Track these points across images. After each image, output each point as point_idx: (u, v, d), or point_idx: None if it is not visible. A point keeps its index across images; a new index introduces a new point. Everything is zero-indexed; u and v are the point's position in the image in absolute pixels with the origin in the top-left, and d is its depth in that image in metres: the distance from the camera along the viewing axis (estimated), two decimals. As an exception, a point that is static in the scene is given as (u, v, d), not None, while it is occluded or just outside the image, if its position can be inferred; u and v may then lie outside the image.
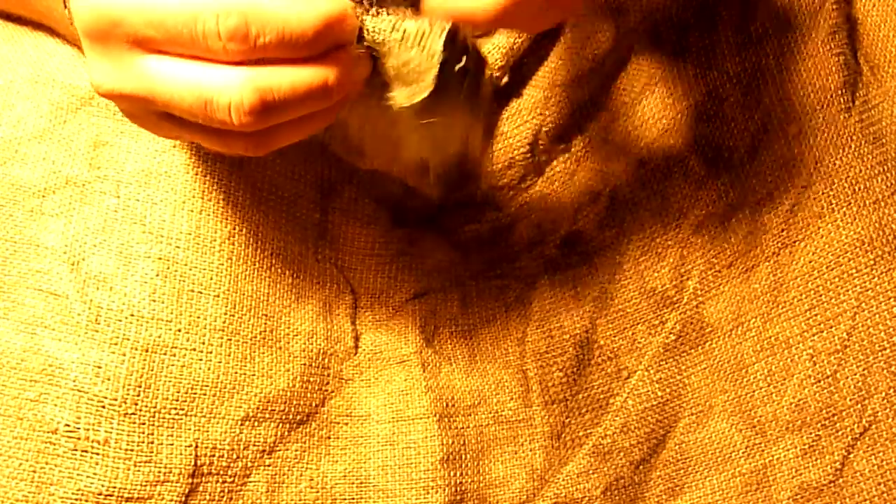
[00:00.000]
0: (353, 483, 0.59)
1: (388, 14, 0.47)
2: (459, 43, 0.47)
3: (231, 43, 0.42)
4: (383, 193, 0.65)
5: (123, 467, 0.54)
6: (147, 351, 0.55)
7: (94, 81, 0.47)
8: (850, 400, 0.55)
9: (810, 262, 0.57)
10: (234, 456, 0.57)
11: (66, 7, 0.53)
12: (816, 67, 0.59)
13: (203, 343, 0.57)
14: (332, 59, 0.45)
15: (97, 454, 0.53)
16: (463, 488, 0.60)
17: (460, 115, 0.49)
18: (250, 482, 0.57)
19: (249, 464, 0.57)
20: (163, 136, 0.51)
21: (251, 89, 0.43)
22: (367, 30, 0.46)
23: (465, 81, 0.48)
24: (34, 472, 0.53)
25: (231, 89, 0.43)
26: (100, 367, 0.54)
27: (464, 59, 0.48)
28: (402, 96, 0.48)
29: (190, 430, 0.55)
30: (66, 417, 0.53)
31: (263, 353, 0.58)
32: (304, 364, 0.60)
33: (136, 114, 0.49)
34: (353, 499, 0.59)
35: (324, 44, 0.44)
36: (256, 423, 0.57)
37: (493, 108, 0.63)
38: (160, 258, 0.57)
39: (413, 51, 0.47)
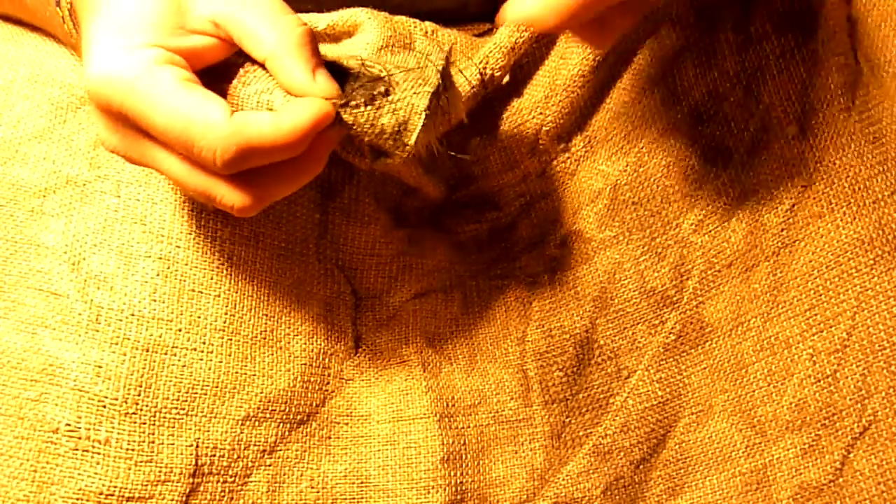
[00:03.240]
0: (353, 483, 0.59)
1: (364, 107, 0.49)
2: (441, 97, 0.51)
3: (226, 169, 0.46)
4: (383, 193, 0.65)
5: (124, 467, 0.54)
6: (148, 350, 0.55)
7: (103, 142, 0.50)
8: (850, 399, 0.55)
9: (810, 262, 0.57)
10: (235, 456, 0.57)
11: (57, 6, 0.53)
12: (816, 67, 0.59)
13: (204, 343, 0.57)
14: (318, 145, 0.49)
15: (98, 454, 0.53)
16: (463, 488, 0.60)
17: (440, 115, 0.52)
18: (251, 482, 0.57)
19: (250, 463, 0.57)
20: (135, 160, 0.53)
21: (252, 196, 0.48)
22: (347, 121, 0.49)
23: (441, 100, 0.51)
24: (35, 471, 0.53)
25: (234, 195, 0.48)
26: (100, 367, 0.54)
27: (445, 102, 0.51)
28: (378, 162, 0.52)
29: (191, 429, 0.55)
30: (66, 417, 0.53)
31: (264, 352, 0.58)
32: (305, 364, 0.60)
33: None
34: (354, 498, 0.59)
35: (308, 143, 0.47)
36: (257, 423, 0.57)
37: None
38: (161, 258, 0.57)
39: (387, 141, 0.50)
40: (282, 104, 0.48)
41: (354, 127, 0.49)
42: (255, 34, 0.48)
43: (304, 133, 0.46)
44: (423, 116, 0.49)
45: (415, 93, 0.49)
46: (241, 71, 0.50)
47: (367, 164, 0.61)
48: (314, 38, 0.49)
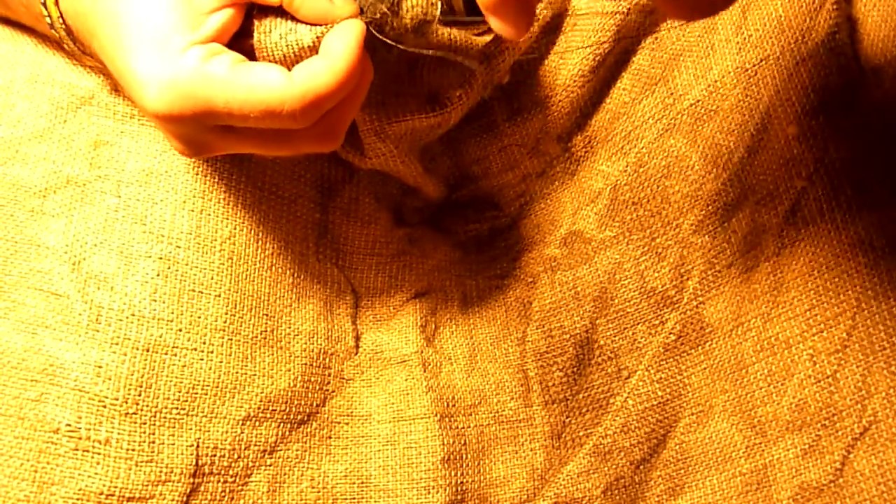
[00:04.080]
0: (353, 483, 0.59)
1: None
2: None
3: (308, 123, 0.49)
4: (383, 193, 0.65)
5: (125, 467, 0.54)
6: (148, 351, 0.55)
7: (178, 150, 0.52)
8: (850, 400, 0.55)
9: (810, 262, 0.57)
10: (236, 456, 0.57)
11: (43, 4, 0.53)
12: (816, 67, 0.59)
13: (204, 343, 0.57)
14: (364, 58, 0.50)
15: (98, 454, 0.53)
16: (464, 488, 0.60)
17: None
18: (251, 482, 0.57)
19: (251, 463, 0.57)
20: (219, 152, 0.54)
21: (333, 134, 0.51)
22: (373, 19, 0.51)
23: None
24: (35, 471, 0.53)
25: (318, 144, 0.51)
26: (101, 367, 0.54)
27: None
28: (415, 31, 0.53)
29: (191, 429, 0.55)
30: (67, 417, 0.53)
31: (264, 352, 0.58)
32: (305, 364, 0.60)
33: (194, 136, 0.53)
34: (354, 498, 0.59)
35: (363, 66, 0.49)
36: (258, 423, 0.57)
37: None
38: (161, 258, 0.57)
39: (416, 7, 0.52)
40: (309, 37, 0.49)
41: (383, 25, 0.51)
42: None
43: (357, 62, 0.48)
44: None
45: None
46: (257, 23, 0.50)
47: (367, 164, 0.61)
48: None
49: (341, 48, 0.48)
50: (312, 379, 0.60)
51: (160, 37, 0.48)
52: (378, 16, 0.51)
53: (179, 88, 0.47)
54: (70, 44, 0.54)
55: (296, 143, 0.51)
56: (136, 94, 0.48)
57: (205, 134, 0.50)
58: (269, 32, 0.50)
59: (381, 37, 0.51)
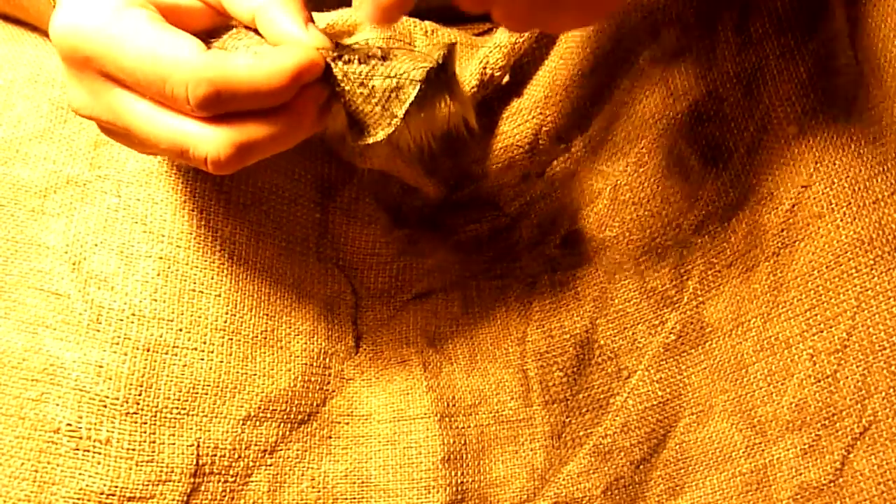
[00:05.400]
0: (354, 483, 0.59)
1: (358, 64, 0.47)
2: (440, 77, 0.48)
3: (200, 110, 0.43)
4: (383, 193, 0.65)
5: (125, 467, 0.54)
6: (148, 350, 0.55)
7: (72, 104, 0.47)
8: (850, 400, 0.55)
9: (810, 262, 0.57)
10: (236, 455, 0.57)
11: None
12: (816, 67, 0.59)
13: (204, 342, 0.57)
14: (304, 99, 0.45)
15: (99, 453, 0.53)
16: (464, 488, 0.60)
17: (440, 106, 0.50)
18: (252, 482, 0.57)
19: (251, 463, 0.57)
20: (141, 153, 0.51)
21: (228, 144, 0.44)
22: (336, 76, 0.47)
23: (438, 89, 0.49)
24: (36, 471, 0.53)
25: (208, 143, 0.44)
26: (101, 367, 0.54)
27: (446, 95, 0.49)
28: (356, 137, 0.49)
29: (192, 429, 0.55)
30: (67, 417, 0.53)
31: (265, 352, 0.58)
32: (306, 363, 0.60)
33: (115, 133, 0.49)
34: (355, 498, 0.59)
35: (292, 92, 0.44)
36: (258, 423, 0.57)
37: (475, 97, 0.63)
38: (161, 258, 0.57)
39: (376, 108, 0.47)
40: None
41: (343, 84, 0.46)
42: None
43: (286, 77, 0.43)
44: (418, 89, 0.46)
45: (414, 67, 0.46)
46: (233, 30, 0.48)
47: (367, 164, 0.61)
48: None
49: (280, 56, 0.43)
50: (313, 379, 0.60)
51: None
52: (348, 64, 0.46)
53: (85, 25, 0.44)
54: None
55: (183, 136, 0.44)
56: (51, 23, 0.45)
57: (94, 86, 0.45)
58: (238, 38, 0.48)
59: (335, 82, 0.47)
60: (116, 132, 0.48)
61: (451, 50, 0.48)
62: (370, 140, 0.48)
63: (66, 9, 0.45)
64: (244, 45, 0.47)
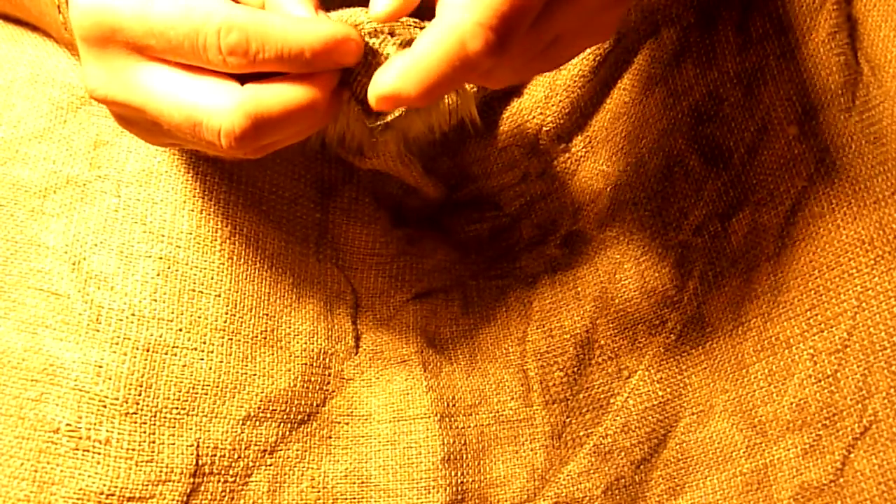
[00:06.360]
0: (354, 483, 0.59)
1: (369, 37, 0.47)
2: None
3: (231, 57, 0.43)
4: (383, 193, 0.65)
5: (125, 467, 0.54)
6: (148, 350, 0.55)
7: (89, 86, 0.47)
8: (851, 400, 0.55)
9: (811, 262, 0.57)
10: (236, 455, 0.57)
11: (59, 13, 0.52)
12: (816, 67, 0.59)
13: (204, 343, 0.57)
14: (324, 79, 0.45)
15: (99, 454, 0.53)
16: (464, 488, 0.60)
17: (445, 98, 0.50)
18: (252, 482, 0.57)
19: (251, 463, 0.57)
20: (152, 143, 0.51)
21: (242, 115, 0.43)
22: (366, 54, 0.47)
23: None
24: (36, 471, 0.53)
25: (222, 114, 0.43)
26: (101, 367, 0.54)
27: None
28: (372, 120, 0.49)
29: (191, 429, 0.55)
30: (67, 417, 0.53)
31: (264, 352, 0.58)
32: (305, 364, 0.60)
33: (128, 119, 0.49)
34: (355, 498, 0.59)
35: (321, 65, 0.44)
36: (258, 423, 0.57)
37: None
38: (161, 258, 0.57)
39: None
40: None
41: (372, 60, 0.47)
42: None
43: (318, 41, 0.43)
44: None
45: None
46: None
47: (367, 164, 0.61)
48: None
49: (314, 22, 0.43)
50: (312, 379, 0.60)
51: None
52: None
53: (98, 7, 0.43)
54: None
55: (201, 110, 0.43)
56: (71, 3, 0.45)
57: (116, 58, 0.45)
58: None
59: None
60: (129, 117, 0.48)
61: None
62: (389, 118, 0.48)
63: None
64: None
